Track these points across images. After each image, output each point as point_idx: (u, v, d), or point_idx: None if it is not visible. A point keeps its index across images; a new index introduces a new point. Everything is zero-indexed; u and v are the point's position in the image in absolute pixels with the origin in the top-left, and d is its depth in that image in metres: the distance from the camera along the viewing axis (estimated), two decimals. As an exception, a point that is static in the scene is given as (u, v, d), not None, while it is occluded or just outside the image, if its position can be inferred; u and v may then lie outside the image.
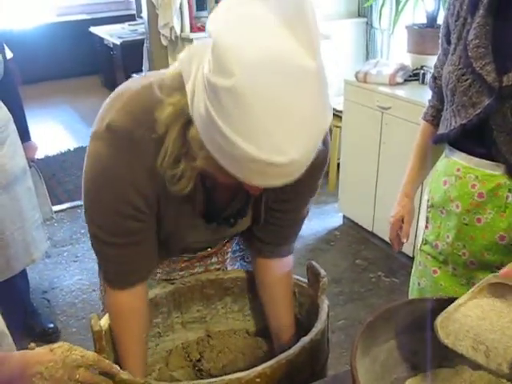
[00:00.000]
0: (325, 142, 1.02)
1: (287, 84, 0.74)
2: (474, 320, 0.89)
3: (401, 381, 0.99)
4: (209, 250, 1.36)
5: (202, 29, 3.95)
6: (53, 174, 4.52)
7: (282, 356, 1.04)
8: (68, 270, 3.28)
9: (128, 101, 0.98)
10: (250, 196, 1.10)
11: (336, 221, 3.69)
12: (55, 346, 0.97)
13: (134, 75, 5.49)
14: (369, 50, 4.18)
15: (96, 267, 1.30)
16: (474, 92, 1.24)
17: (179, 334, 1.38)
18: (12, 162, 2.26)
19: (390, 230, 1.60)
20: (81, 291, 3.06)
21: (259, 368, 1.00)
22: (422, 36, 3.11)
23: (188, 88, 0.85)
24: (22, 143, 2.37)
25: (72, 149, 5.10)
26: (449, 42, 1.36)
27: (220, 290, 1.38)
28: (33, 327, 2.67)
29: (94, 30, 6.95)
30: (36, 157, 2.61)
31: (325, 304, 1.20)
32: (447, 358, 0.96)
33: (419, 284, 1.51)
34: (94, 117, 1.02)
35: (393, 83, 3.07)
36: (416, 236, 1.55)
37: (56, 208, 3.54)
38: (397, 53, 3.83)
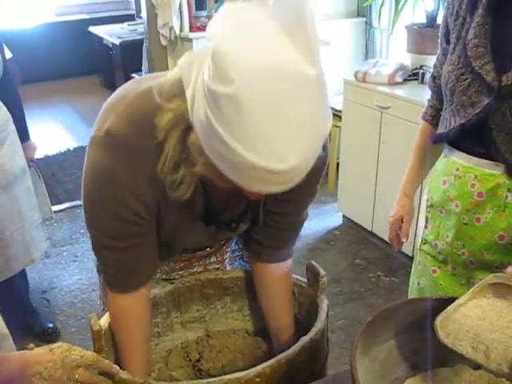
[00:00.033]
0: (324, 148, 1.02)
1: (287, 91, 0.75)
2: (473, 320, 0.89)
3: (400, 380, 0.99)
4: (208, 249, 1.36)
5: (201, 28, 3.95)
6: (52, 174, 4.52)
7: (282, 356, 1.04)
8: (67, 269, 3.28)
9: (128, 106, 0.98)
10: (249, 200, 1.10)
11: (335, 220, 3.69)
12: (54, 346, 0.97)
13: (134, 75, 5.50)
14: (368, 50, 4.18)
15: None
16: (473, 91, 1.24)
17: (179, 333, 1.38)
18: (11, 162, 2.26)
19: (389, 229, 1.60)
20: (80, 291, 3.06)
21: (259, 368, 1.00)
22: (422, 36, 3.11)
23: (188, 94, 0.84)
24: (22, 143, 2.37)
25: (71, 148, 5.10)
26: (448, 42, 1.36)
27: (219, 289, 1.38)
28: (32, 327, 2.67)
29: (93, 29, 6.94)
30: (35, 157, 2.61)
31: (324, 303, 1.20)
32: (447, 357, 0.96)
33: (419, 284, 1.51)
34: (93, 116, 1.02)
35: (392, 83, 3.07)
36: (415, 236, 1.55)
37: (55, 208, 3.54)
38: (396, 52, 3.83)
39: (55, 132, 5.70)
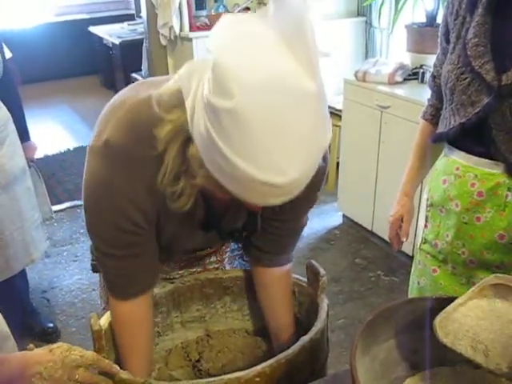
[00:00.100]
0: (324, 158, 1.03)
1: (287, 105, 0.75)
2: (473, 320, 0.89)
3: (400, 380, 0.99)
4: (208, 249, 1.36)
5: (201, 28, 3.95)
6: (52, 174, 4.52)
7: (282, 355, 1.03)
8: (67, 269, 3.28)
9: (127, 115, 0.97)
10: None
11: (336, 220, 3.69)
12: (54, 346, 0.97)
13: (134, 75, 5.51)
14: (368, 49, 4.18)
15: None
16: (473, 91, 1.24)
17: (179, 333, 1.38)
18: (11, 162, 2.26)
19: (389, 229, 1.60)
20: (80, 291, 3.06)
21: (259, 367, 1.00)
22: (422, 35, 3.11)
23: (188, 105, 0.84)
24: (22, 143, 2.37)
25: (71, 148, 5.10)
26: (448, 41, 1.36)
27: (219, 289, 1.38)
28: (32, 327, 2.67)
29: (93, 29, 6.95)
30: (35, 157, 2.61)
31: (324, 303, 1.19)
32: (447, 357, 0.96)
33: (419, 283, 1.51)
34: (93, 116, 1.02)
35: (392, 82, 3.07)
36: (415, 235, 1.55)
37: (55, 208, 3.54)
38: (396, 52, 3.83)
39: (55, 132, 5.70)
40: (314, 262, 1.26)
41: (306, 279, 1.29)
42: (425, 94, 1.64)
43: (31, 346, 0.99)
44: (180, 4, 3.88)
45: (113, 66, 6.52)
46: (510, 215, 1.26)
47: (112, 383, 1.01)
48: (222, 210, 1.12)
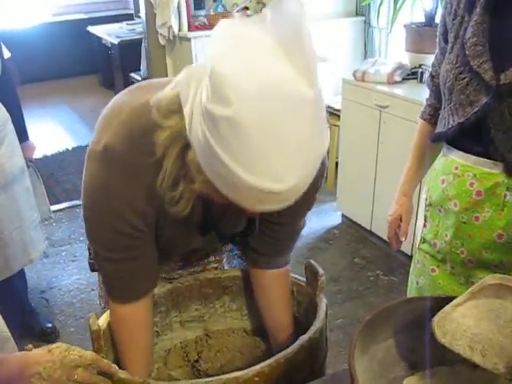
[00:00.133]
0: (322, 163, 1.03)
1: (285, 112, 0.75)
2: (471, 320, 0.89)
3: (399, 379, 0.99)
4: (206, 250, 1.36)
5: (199, 28, 3.95)
6: (51, 174, 4.51)
7: (281, 355, 1.04)
8: (66, 269, 3.28)
9: (126, 121, 0.97)
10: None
11: (335, 219, 3.69)
12: (53, 346, 0.97)
13: (132, 74, 5.51)
14: (367, 49, 4.18)
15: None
16: (471, 90, 1.24)
17: (178, 333, 1.38)
18: (10, 162, 2.26)
19: (388, 228, 1.61)
20: (79, 291, 3.06)
21: (258, 367, 1.00)
22: (420, 35, 3.11)
23: (186, 111, 0.84)
24: (20, 143, 2.36)
25: (70, 148, 5.09)
26: (446, 41, 1.36)
27: (218, 288, 1.38)
28: (31, 327, 2.67)
29: (91, 29, 6.93)
30: (34, 156, 2.60)
31: (323, 302, 1.20)
32: (446, 356, 0.96)
33: (417, 283, 1.51)
34: (92, 116, 1.03)
35: (391, 82, 3.07)
36: (414, 235, 1.55)
37: (54, 208, 3.54)
38: (395, 51, 3.83)
39: (54, 132, 5.69)
40: (312, 261, 1.26)
41: (304, 279, 1.29)
42: (423, 93, 1.64)
43: (30, 346, 0.99)
44: (179, 4, 3.88)
45: (112, 66, 6.51)
46: (509, 215, 1.26)
47: (111, 383, 1.01)
48: (220, 213, 1.12)
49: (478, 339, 0.87)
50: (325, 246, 3.40)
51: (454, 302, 0.91)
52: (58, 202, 4.04)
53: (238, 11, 3.92)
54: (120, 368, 1.02)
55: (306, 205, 1.16)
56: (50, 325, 2.70)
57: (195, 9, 4.03)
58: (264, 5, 4.13)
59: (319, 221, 3.65)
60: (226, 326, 1.42)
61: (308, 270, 1.26)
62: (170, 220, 1.03)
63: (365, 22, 4.15)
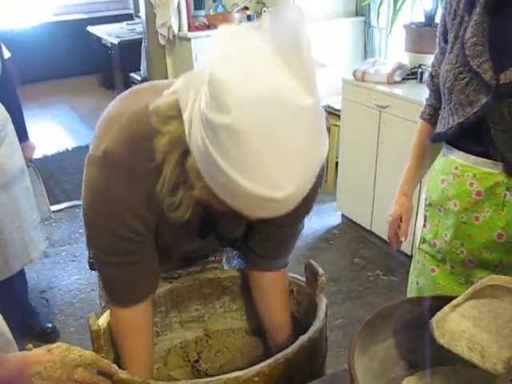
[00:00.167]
0: (321, 168, 1.03)
1: (284, 120, 0.75)
2: (470, 320, 0.89)
3: (399, 379, 0.99)
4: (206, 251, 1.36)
5: (199, 28, 3.95)
6: (51, 174, 4.51)
7: (281, 355, 1.04)
8: (66, 269, 3.28)
9: (125, 126, 0.98)
10: None
11: (334, 219, 3.69)
12: (53, 346, 0.97)
13: (132, 74, 5.50)
14: (367, 49, 4.18)
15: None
16: (471, 90, 1.24)
17: (177, 333, 1.38)
18: (10, 162, 2.26)
19: (388, 228, 1.60)
20: (79, 291, 3.06)
21: (257, 367, 1.01)
22: (420, 35, 3.11)
23: (185, 117, 0.84)
24: (20, 143, 2.36)
25: (70, 148, 5.09)
26: (446, 41, 1.36)
27: (218, 288, 1.38)
28: (31, 327, 2.67)
29: (91, 29, 6.93)
30: (34, 156, 2.61)
31: (323, 302, 1.20)
32: (445, 356, 0.96)
33: (417, 283, 1.51)
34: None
35: (391, 82, 3.07)
36: (414, 234, 1.55)
37: (54, 208, 3.54)
38: (395, 51, 3.83)
39: (54, 132, 5.69)
40: (312, 261, 1.26)
41: (304, 279, 1.29)
42: (423, 93, 1.64)
43: (30, 345, 0.99)
44: (179, 4, 3.88)
45: (112, 66, 6.51)
46: (509, 214, 1.26)
47: (111, 383, 1.01)
48: (220, 218, 1.12)
49: (476, 340, 0.87)
50: (325, 246, 3.40)
51: (453, 302, 0.91)
52: (58, 202, 4.04)
53: (237, 11, 3.92)
54: (120, 369, 1.02)
55: (305, 208, 1.15)
56: (50, 325, 2.70)
57: (195, 9, 4.03)
58: (264, 4, 4.13)
59: (319, 221, 3.65)
60: (226, 326, 1.42)
61: (308, 269, 1.27)
62: (169, 225, 1.03)
63: (365, 22, 4.15)
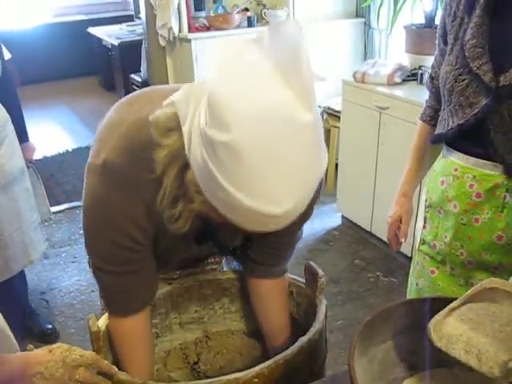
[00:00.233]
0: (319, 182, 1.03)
1: (283, 136, 0.75)
2: (467, 324, 0.89)
3: (398, 381, 0.99)
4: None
5: (200, 29, 3.95)
6: (51, 175, 4.51)
7: (280, 356, 1.04)
8: (66, 270, 3.28)
9: (126, 134, 0.97)
10: None
11: (334, 221, 3.69)
12: (54, 346, 0.97)
13: (133, 76, 5.51)
14: (367, 50, 4.18)
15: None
16: (471, 92, 1.24)
17: (177, 334, 1.38)
18: (10, 163, 2.26)
19: (388, 230, 1.61)
20: (79, 292, 3.06)
21: (257, 368, 1.00)
22: (420, 36, 3.12)
23: (184, 130, 0.84)
24: (20, 144, 2.36)
25: (70, 149, 5.09)
26: (446, 43, 1.36)
27: (217, 290, 1.38)
28: (31, 328, 2.67)
29: (92, 30, 6.94)
30: (34, 158, 2.61)
31: (323, 304, 1.20)
32: (445, 358, 0.96)
33: (417, 284, 1.51)
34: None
35: (391, 83, 3.07)
36: (414, 236, 1.55)
37: (54, 209, 3.54)
38: (395, 53, 3.83)
39: (54, 133, 5.69)
40: (312, 262, 1.26)
41: (304, 280, 1.29)
42: (423, 95, 1.64)
43: (31, 346, 0.99)
44: (179, 5, 3.87)
45: (112, 67, 6.52)
46: (508, 216, 1.26)
47: (111, 384, 1.01)
48: (218, 228, 1.12)
49: (473, 343, 0.87)
50: (325, 248, 3.40)
51: (450, 305, 0.91)
52: (58, 203, 4.05)
53: (238, 12, 3.92)
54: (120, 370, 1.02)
55: (304, 217, 1.16)
56: (50, 326, 2.70)
57: (195, 10, 4.02)
58: (264, 6, 4.13)
59: (319, 222, 3.65)
60: (226, 327, 1.42)
61: (308, 271, 1.26)
62: (168, 234, 1.03)
63: (365, 23, 4.15)
